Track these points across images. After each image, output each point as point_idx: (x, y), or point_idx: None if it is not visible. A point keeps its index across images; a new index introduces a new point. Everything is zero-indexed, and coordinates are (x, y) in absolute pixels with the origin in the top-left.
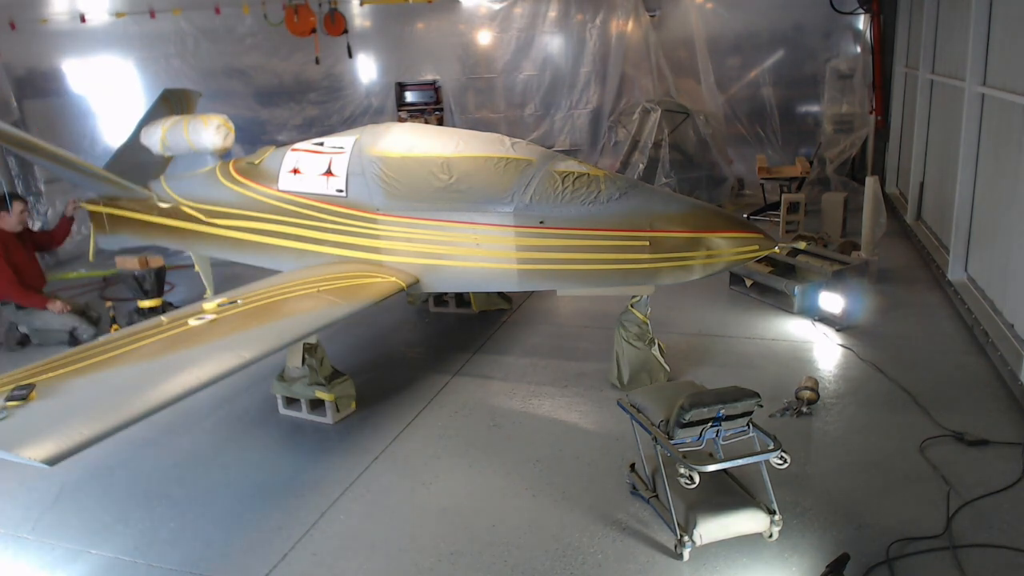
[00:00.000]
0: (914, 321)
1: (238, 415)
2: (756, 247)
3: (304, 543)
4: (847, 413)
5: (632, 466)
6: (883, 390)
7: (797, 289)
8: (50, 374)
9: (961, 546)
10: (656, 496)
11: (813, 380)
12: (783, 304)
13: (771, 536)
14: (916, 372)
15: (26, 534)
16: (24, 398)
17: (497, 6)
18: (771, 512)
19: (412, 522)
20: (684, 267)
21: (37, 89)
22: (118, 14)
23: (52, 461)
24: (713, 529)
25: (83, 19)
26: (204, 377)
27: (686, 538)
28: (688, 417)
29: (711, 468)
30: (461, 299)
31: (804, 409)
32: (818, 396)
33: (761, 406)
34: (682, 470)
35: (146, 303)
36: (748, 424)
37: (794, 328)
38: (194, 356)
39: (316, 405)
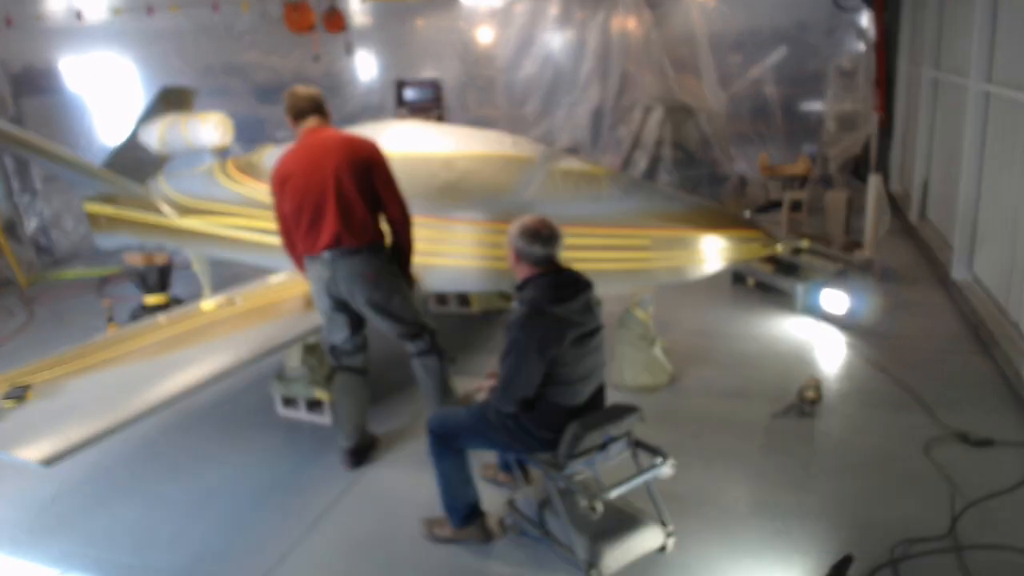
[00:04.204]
0: (918, 320)
1: (237, 415)
2: (759, 245)
3: (303, 543)
4: (850, 413)
5: (511, 502)
6: (887, 390)
7: (800, 288)
8: (47, 374)
9: (966, 547)
10: (547, 533)
11: (816, 380)
12: (786, 303)
13: (665, 549)
14: (920, 372)
15: (22, 536)
16: (20, 398)
17: (498, 3)
18: (664, 524)
19: (412, 522)
20: (686, 266)
21: (34, 86)
22: (115, 11)
23: (48, 462)
24: (618, 557)
25: (80, 16)
26: (203, 377)
27: (596, 572)
28: (582, 445)
29: (616, 493)
30: (462, 299)
31: (807, 409)
32: (821, 396)
33: (643, 420)
34: (584, 502)
35: (151, 299)
36: (630, 441)
37: (797, 327)
38: (193, 356)
39: (315, 405)
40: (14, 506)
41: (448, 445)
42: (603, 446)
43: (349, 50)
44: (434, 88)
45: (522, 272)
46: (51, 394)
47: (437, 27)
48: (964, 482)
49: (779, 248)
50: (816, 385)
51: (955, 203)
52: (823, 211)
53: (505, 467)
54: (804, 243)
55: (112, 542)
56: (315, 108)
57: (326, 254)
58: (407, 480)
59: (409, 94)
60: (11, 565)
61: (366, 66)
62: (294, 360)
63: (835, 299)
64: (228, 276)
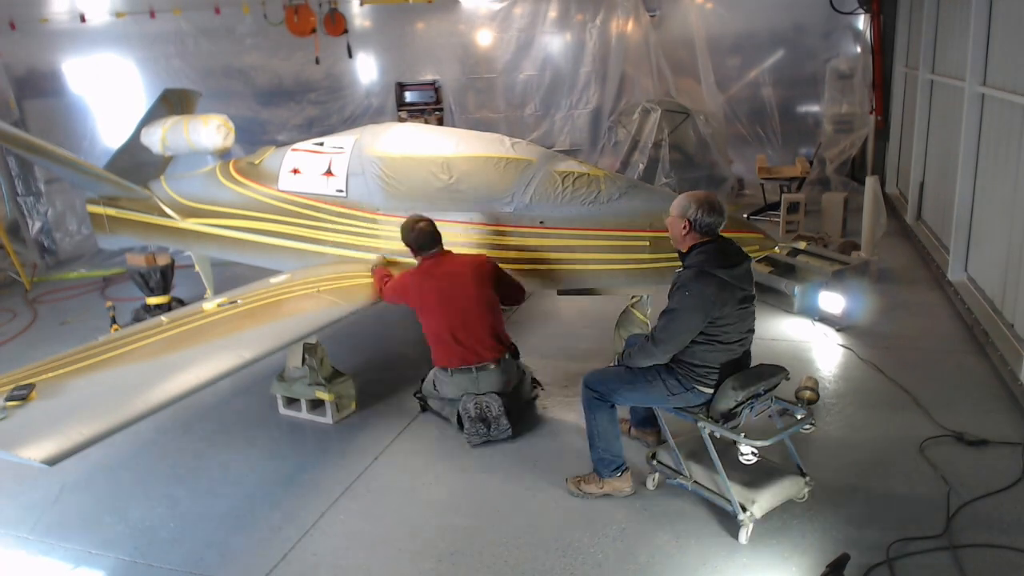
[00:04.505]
0: (914, 321)
1: (238, 415)
2: (756, 247)
3: (304, 543)
4: (847, 413)
5: (654, 455)
6: (883, 390)
7: (797, 289)
8: (50, 374)
9: (961, 546)
10: (695, 481)
11: (813, 380)
12: (783, 304)
13: (803, 497)
14: (916, 372)
15: (26, 534)
16: (24, 398)
17: (497, 6)
18: (803, 474)
19: (412, 522)
20: None
21: (37, 89)
22: (118, 14)
23: (52, 461)
24: (767, 500)
25: (83, 19)
26: (204, 377)
27: (749, 514)
28: (741, 397)
29: (771, 442)
30: None
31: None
32: (818, 396)
33: (788, 379)
34: (744, 448)
35: (154, 300)
36: (772, 398)
37: (794, 328)
38: (194, 356)
39: (316, 405)
40: (19, 505)
41: (604, 399)
42: (752, 401)
43: (350, 53)
44: (434, 90)
45: (689, 241)
46: (54, 394)
47: (437, 30)
48: (959, 481)
49: (777, 249)
50: (813, 385)
51: (951, 204)
52: (820, 213)
53: (640, 424)
54: (801, 244)
55: (115, 541)
56: (437, 240)
57: (472, 368)
58: (407, 480)
59: (409, 96)
60: (17, 564)
61: (367, 69)
62: (296, 360)
63: (832, 300)
64: (230, 277)
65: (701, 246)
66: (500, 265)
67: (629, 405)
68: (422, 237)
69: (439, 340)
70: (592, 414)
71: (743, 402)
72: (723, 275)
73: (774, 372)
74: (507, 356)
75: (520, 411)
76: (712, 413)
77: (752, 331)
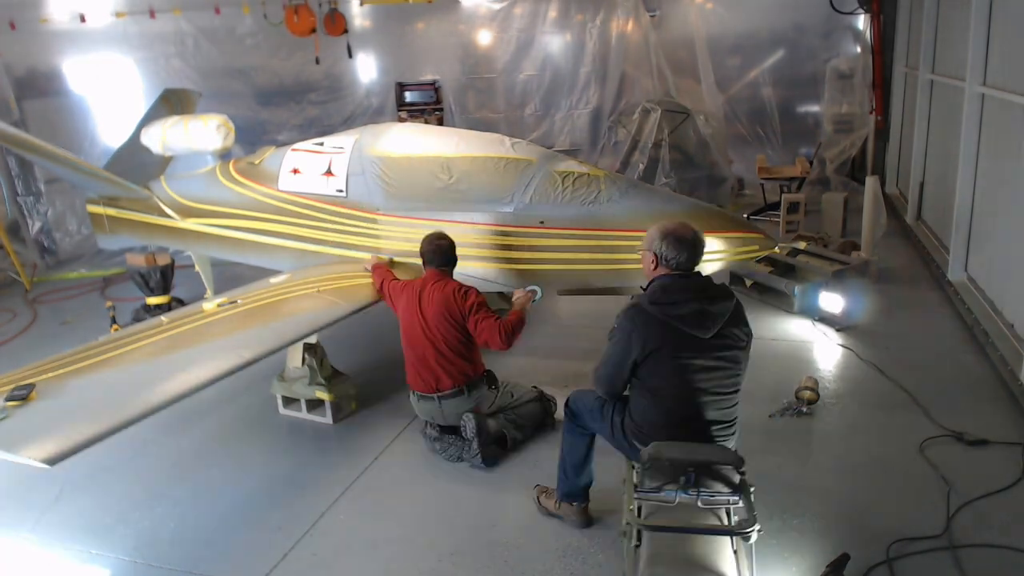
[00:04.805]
0: (914, 321)
1: (238, 415)
2: (756, 247)
3: (304, 543)
4: (847, 413)
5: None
6: (883, 390)
7: (797, 289)
8: (50, 374)
9: (961, 546)
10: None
11: (813, 380)
12: (783, 304)
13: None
14: (916, 372)
15: (26, 534)
16: (24, 398)
17: (497, 6)
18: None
19: (412, 522)
20: None
21: (37, 89)
22: (118, 14)
23: (52, 461)
24: None
25: (83, 19)
26: (204, 377)
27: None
28: (657, 469)
29: (658, 534)
30: None
31: (804, 409)
32: (818, 396)
33: (743, 473)
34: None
35: (154, 300)
36: (732, 491)
37: (794, 328)
38: (194, 356)
39: (316, 405)
40: (19, 505)
41: (576, 422)
42: (684, 483)
43: (350, 53)
44: (434, 90)
45: (657, 274)
46: (54, 394)
47: (437, 30)
48: (959, 482)
49: (777, 249)
50: (813, 385)
51: (951, 204)
52: (820, 213)
53: (567, 497)
54: (801, 244)
55: (116, 541)
56: (437, 259)
57: (434, 396)
58: (407, 480)
59: (409, 96)
60: (17, 564)
61: (367, 68)
62: (296, 360)
63: (832, 300)
64: (230, 277)
65: (658, 279)
66: (480, 291)
67: (597, 433)
68: (429, 252)
69: (407, 357)
70: (565, 434)
71: (668, 478)
72: (652, 311)
73: (717, 454)
74: (475, 381)
75: (536, 428)
76: (639, 476)
77: (713, 393)
